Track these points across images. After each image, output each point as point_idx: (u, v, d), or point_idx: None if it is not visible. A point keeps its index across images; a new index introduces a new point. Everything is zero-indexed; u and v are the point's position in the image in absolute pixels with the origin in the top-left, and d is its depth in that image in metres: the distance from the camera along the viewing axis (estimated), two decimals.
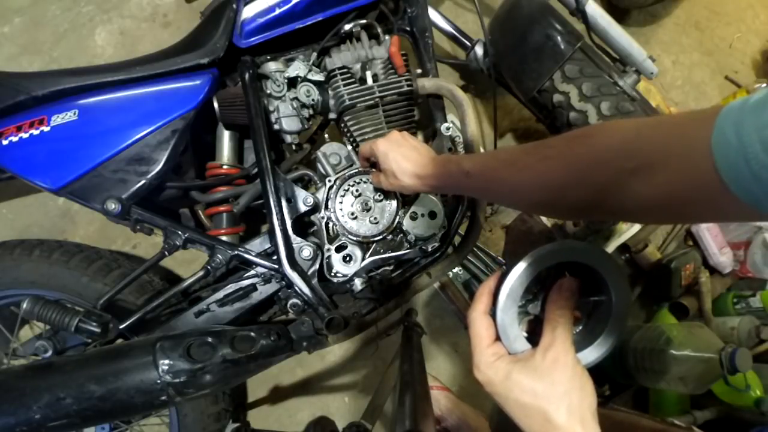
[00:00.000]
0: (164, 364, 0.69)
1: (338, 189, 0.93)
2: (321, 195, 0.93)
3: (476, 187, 0.68)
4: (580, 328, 0.51)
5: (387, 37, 0.99)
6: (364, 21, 0.98)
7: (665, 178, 0.42)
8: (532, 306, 0.50)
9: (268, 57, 0.98)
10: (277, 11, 0.92)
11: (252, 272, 0.93)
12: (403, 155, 0.76)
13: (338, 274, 0.92)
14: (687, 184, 0.41)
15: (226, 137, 1.04)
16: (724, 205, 0.38)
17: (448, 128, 0.97)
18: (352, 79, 0.95)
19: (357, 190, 0.92)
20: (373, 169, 0.88)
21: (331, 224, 0.93)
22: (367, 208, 0.92)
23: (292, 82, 0.96)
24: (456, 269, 1.40)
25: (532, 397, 0.43)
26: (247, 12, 0.93)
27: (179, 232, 0.91)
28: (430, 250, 0.95)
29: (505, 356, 0.47)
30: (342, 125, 0.98)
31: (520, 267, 0.46)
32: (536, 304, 0.50)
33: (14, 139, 0.86)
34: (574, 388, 0.43)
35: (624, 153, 0.46)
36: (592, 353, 0.48)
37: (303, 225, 0.97)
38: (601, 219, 1.29)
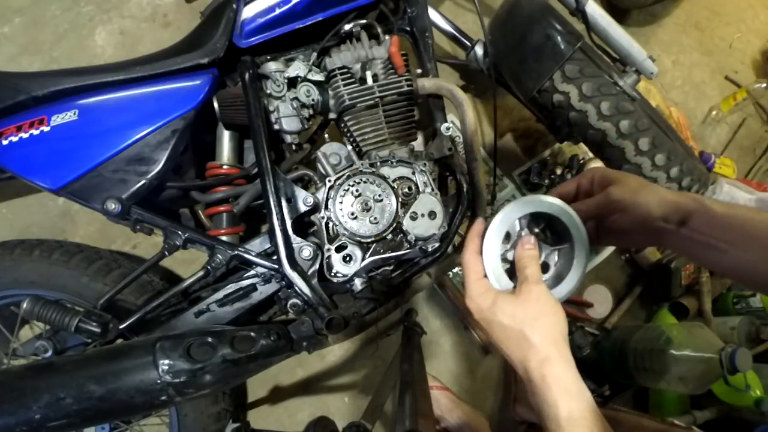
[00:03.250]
0: (164, 364, 0.69)
1: (338, 189, 0.92)
2: (321, 195, 0.93)
3: None
4: (552, 272, 0.64)
5: (387, 37, 0.99)
6: (364, 21, 0.98)
7: None
8: (510, 254, 0.62)
9: (268, 57, 0.97)
10: (277, 11, 0.92)
11: (252, 272, 0.93)
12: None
13: (338, 274, 0.92)
14: None
15: (226, 137, 1.04)
16: None
17: (448, 128, 0.97)
18: (352, 79, 0.95)
19: (357, 190, 0.92)
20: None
21: (331, 224, 0.93)
22: (367, 208, 0.92)
23: (292, 82, 0.96)
24: (456, 269, 1.40)
25: (512, 319, 0.55)
26: (247, 12, 0.93)
27: (179, 232, 0.91)
28: (430, 250, 0.95)
29: (491, 288, 0.59)
30: (342, 125, 0.98)
31: (499, 217, 0.60)
32: (513, 253, 0.62)
33: (14, 139, 0.86)
34: (545, 313, 0.54)
35: None
36: (563, 288, 0.61)
37: (303, 225, 0.96)
38: None
